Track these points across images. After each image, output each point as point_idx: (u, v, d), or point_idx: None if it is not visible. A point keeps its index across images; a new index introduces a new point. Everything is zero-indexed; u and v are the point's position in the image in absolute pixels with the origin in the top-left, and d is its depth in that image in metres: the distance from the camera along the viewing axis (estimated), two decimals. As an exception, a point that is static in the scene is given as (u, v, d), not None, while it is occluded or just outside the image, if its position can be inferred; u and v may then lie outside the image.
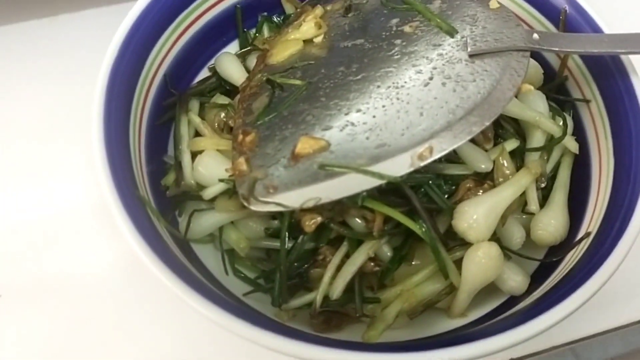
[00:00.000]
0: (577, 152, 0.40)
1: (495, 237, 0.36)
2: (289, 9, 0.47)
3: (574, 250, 0.35)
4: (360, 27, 0.41)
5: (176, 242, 0.36)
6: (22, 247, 0.43)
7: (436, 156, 0.32)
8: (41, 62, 0.50)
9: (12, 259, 0.43)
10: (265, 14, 0.47)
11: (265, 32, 0.47)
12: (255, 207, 0.33)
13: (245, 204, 0.34)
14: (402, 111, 0.34)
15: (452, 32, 0.37)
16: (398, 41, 0.38)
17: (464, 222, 0.34)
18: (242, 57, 0.45)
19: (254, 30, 0.47)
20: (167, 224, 0.36)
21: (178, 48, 0.42)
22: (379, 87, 0.36)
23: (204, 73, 0.46)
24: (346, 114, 0.35)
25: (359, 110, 0.35)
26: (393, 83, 0.36)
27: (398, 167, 0.32)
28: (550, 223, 0.37)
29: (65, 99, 0.48)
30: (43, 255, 0.43)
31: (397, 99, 0.35)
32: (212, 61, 0.45)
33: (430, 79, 0.35)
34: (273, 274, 0.37)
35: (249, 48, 0.46)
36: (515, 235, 0.37)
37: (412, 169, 0.32)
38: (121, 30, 0.37)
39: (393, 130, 0.33)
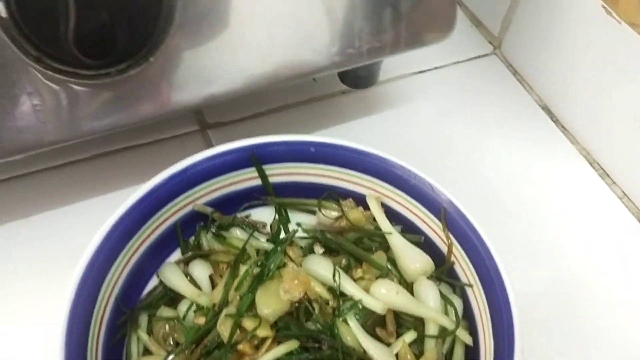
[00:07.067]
0: (471, 344, 0.47)
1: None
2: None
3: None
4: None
5: None
6: None
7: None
8: None
9: None
10: (202, 223, 0.55)
11: (203, 239, 0.55)
12: None
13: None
14: None
15: None
16: None
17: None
18: (184, 262, 0.53)
19: (193, 238, 0.55)
20: None
21: (129, 268, 0.49)
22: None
23: (154, 280, 0.52)
24: None
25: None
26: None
27: None
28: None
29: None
30: None
31: None
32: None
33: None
34: None
35: (189, 254, 0.54)
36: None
37: None
38: (80, 264, 0.44)
39: None
